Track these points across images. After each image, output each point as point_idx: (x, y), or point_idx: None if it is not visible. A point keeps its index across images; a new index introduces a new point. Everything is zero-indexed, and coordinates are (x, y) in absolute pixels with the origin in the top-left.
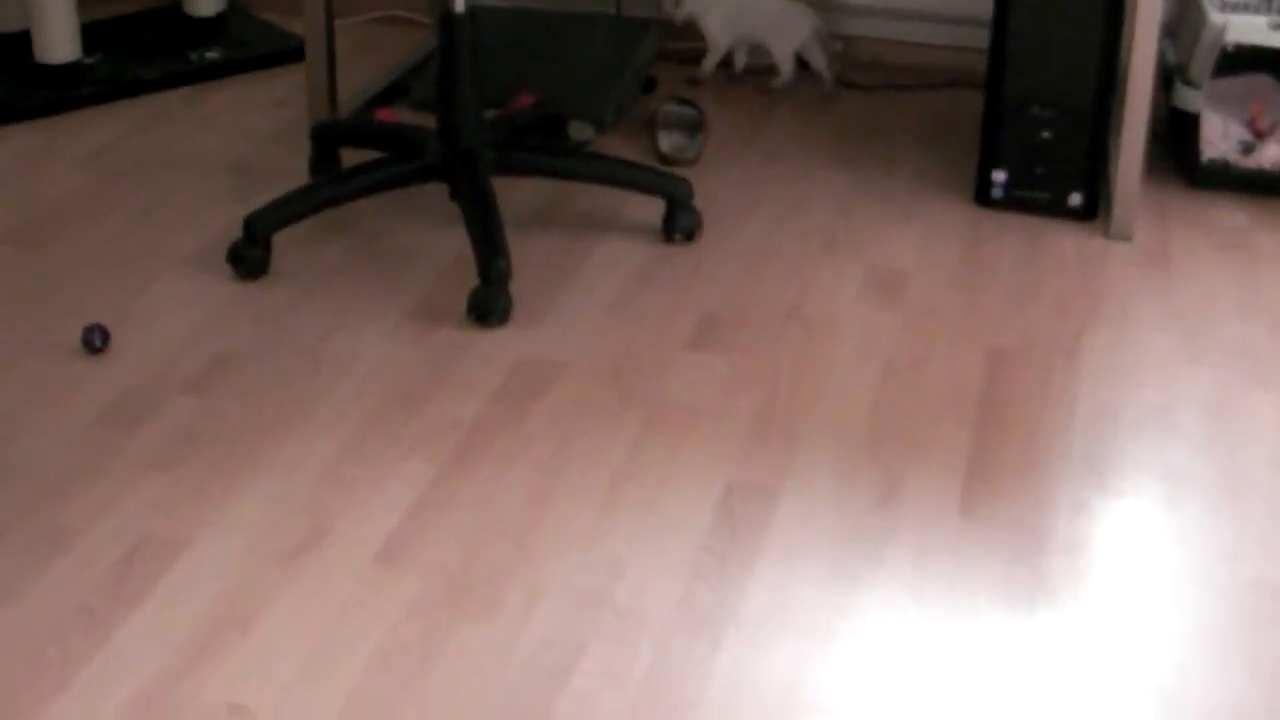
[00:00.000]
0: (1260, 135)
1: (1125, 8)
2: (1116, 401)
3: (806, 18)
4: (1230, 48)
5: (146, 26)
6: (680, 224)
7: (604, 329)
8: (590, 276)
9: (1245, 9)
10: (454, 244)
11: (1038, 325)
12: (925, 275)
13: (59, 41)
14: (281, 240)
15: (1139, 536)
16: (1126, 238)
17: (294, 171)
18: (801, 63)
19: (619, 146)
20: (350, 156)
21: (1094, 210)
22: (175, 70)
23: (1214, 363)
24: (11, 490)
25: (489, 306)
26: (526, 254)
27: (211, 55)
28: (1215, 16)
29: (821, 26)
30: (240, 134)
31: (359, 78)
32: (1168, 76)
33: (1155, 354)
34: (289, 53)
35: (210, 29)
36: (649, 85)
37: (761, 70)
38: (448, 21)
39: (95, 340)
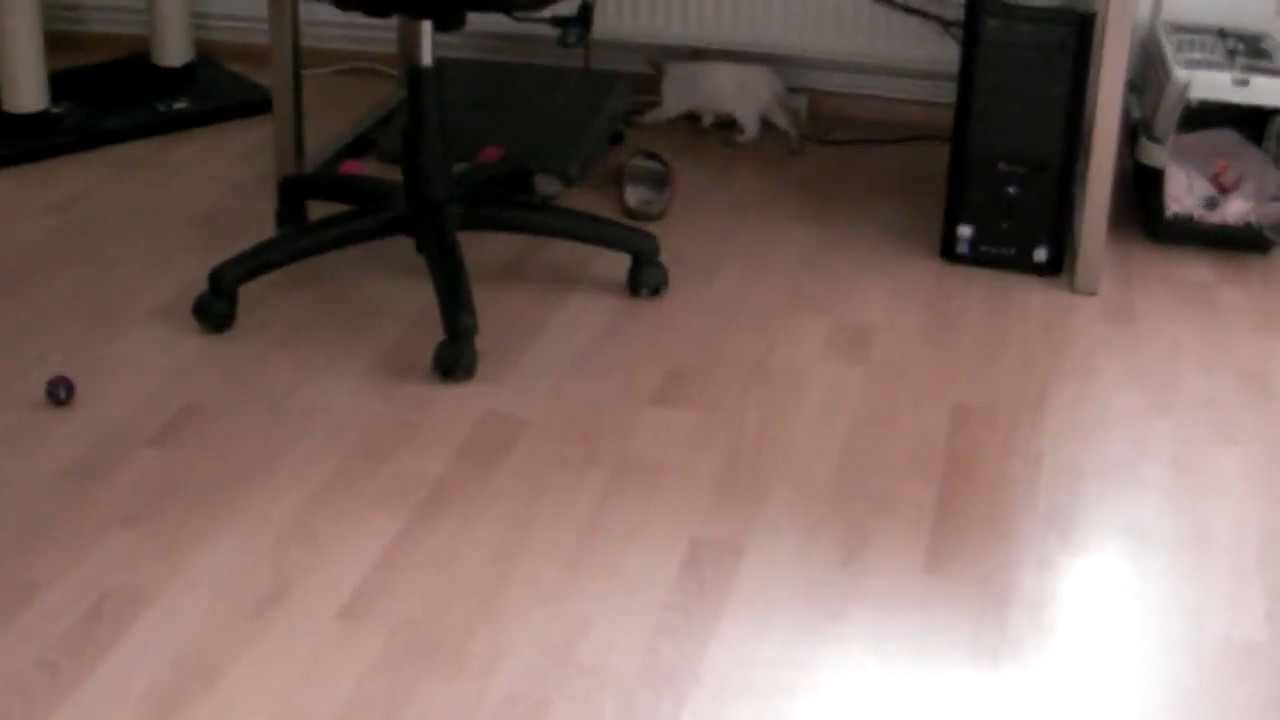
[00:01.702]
0: (1225, 190)
1: (1090, 64)
2: (1081, 457)
3: (766, 81)
4: (1194, 104)
5: (115, 76)
6: (646, 279)
7: (570, 384)
8: (556, 331)
9: (1209, 65)
10: (420, 297)
11: (1003, 381)
12: (891, 331)
13: (27, 91)
14: (248, 293)
15: (1104, 593)
16: (1091, 292)
17: (261, 223)
18: (767, 120)
19: (586, 200)
20: (318, 208)
21: (1059, 265)
22: (144, 120)
23: (1178, 417)
24: None
25: (454, 361)
26: (493, 308)
27: (180, 106)
28: (1179, 73)
29: (782, 88)
30: (208, 184)
31: (328, 129)
32: (1133, 132)
33: (1120, 409)
34: (257, 104)
35: (179, 79)
36: (616, 138)
37: (727, 125)
38: (415, 75)
39: (60, 393)
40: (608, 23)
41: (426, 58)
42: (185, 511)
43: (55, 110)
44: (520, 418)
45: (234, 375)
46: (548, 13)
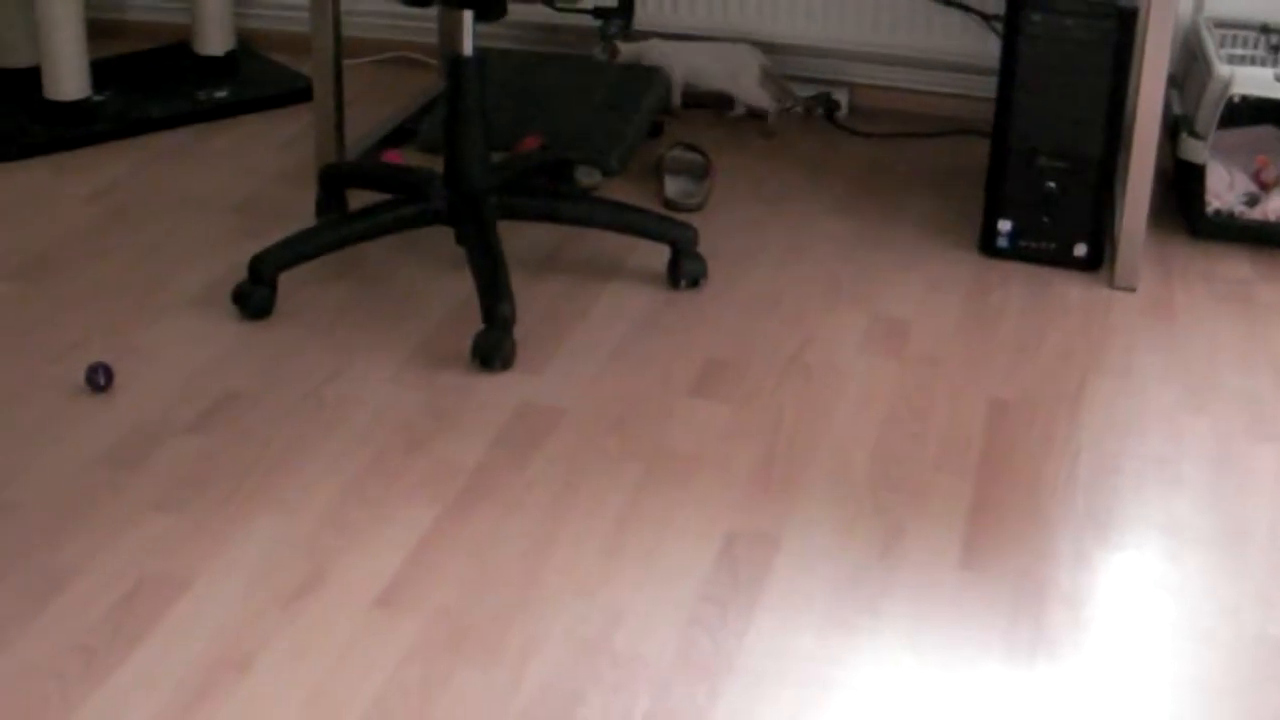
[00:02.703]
0: (1265, 187)
1: (1132, 59)
2: (1118, 453)
3: (752, 56)
4: (1236, 99)
5: (156, 64)
6: (685, 270)
7: (607, 375)
8: (595, 322)
9: (1251, 61)
10: (459, 287)
11: (1040, 375)
12: (928, 324)
13: (69, 78)
14: (287, 281)
15: (1140, 589)
16: (1131, 288)
17: (301, 211)
18: (808, 105)
19: (625, 191)
20: (357, 198)
21: (1099, 261)
22: (184, 109)
23: (1216, 414)
24: (11, 529)
25: (493, 351)
26: (531, 298)
27: (220, 94)
28: (1221, 68)
29: (767, 62)
30: (248, 173)
31: (368, 119)
32: (1174, 128)
33: (1158, 405)
34: (298, 93)
35: (220, 68)
36: (656, 130)
37: (760, 114)
38: (455, 65)
39: (99, 379)
40: (649, 14)
41: (468, 47)
42: (222, 498)
43: (97, 98)
44: (557, 407)
45: (272, 363)
46: (589, 4)
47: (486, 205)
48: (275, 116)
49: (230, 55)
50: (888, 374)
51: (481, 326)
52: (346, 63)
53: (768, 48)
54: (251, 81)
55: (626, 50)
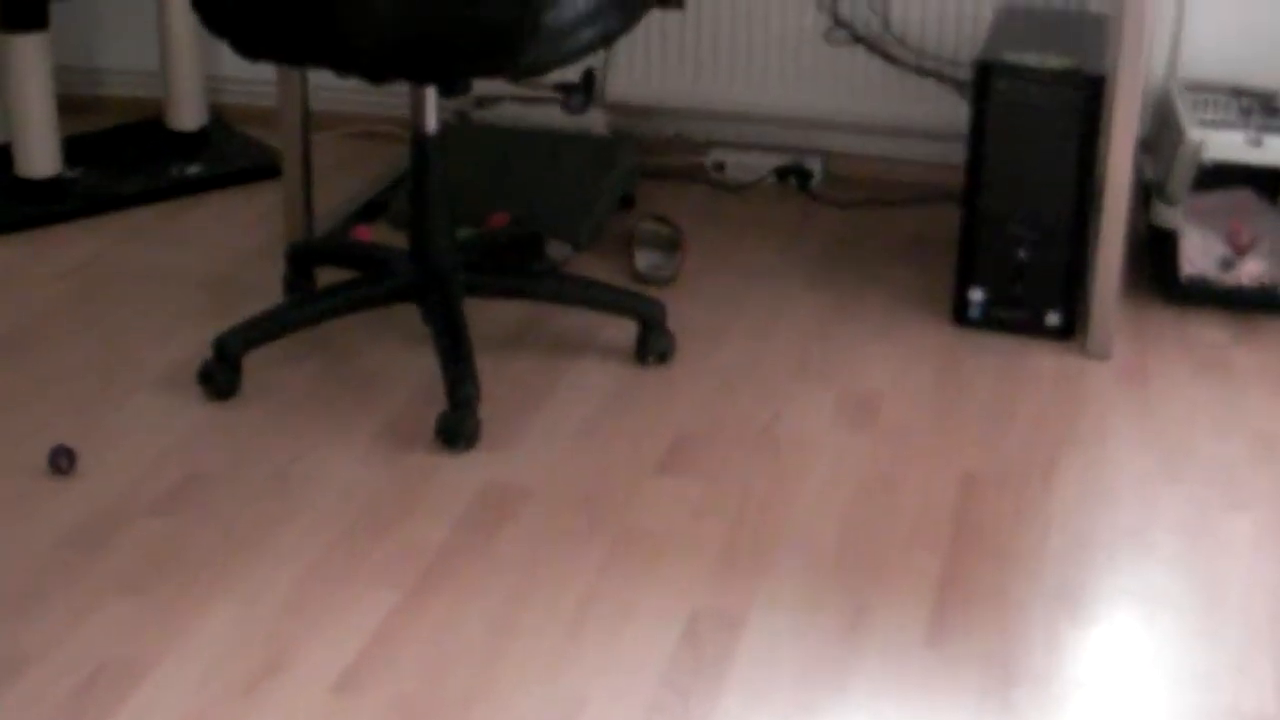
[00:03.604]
0: (1240, 251)
1: (1101, 125)
2: (1091, 525)
3: None
4: (1208, 165)
5: (129, 140)
6: (653, 346)
7: (574, 453)
8: (562, 399)
9: (1223, 125)
10: (426, 364)
11: (1013, 447)
12: (899, 397)
13: (40, 155)
14: (253, 360)
15: (1113, 665)
16: (1105, 356)
17: (270, 288)
18: (781, 175)
19: (596, 265)
20: (328, 274)
21: (1072, 329)
22: (156, 185)
23: (1192, 483)
24: None
25: (457, 430)
26: (498, 375)
27: (193, 170)
28: (1192, 133)
29: None
30: (219, 250)
31: (339, 193)
32: (1146, 193)
33: (1132, 475)
34: (269, 168)
35: (192, 143)
36: (627, 201)
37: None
38: (419, 142)
39: (62, 462)
40: (618, 84)
41: (431, 124)
42: (184, 582)
43: (68, 175)
44: (523, 487)
45: (237, 444)
46: (552, 79)
47: (452, 283)
48: (248, 191)
49: (203, 131)
50: (858, 448)
51: (446, 405)
52: (318, 136)
53: (739, 117)
54: (224, 157)
55: None
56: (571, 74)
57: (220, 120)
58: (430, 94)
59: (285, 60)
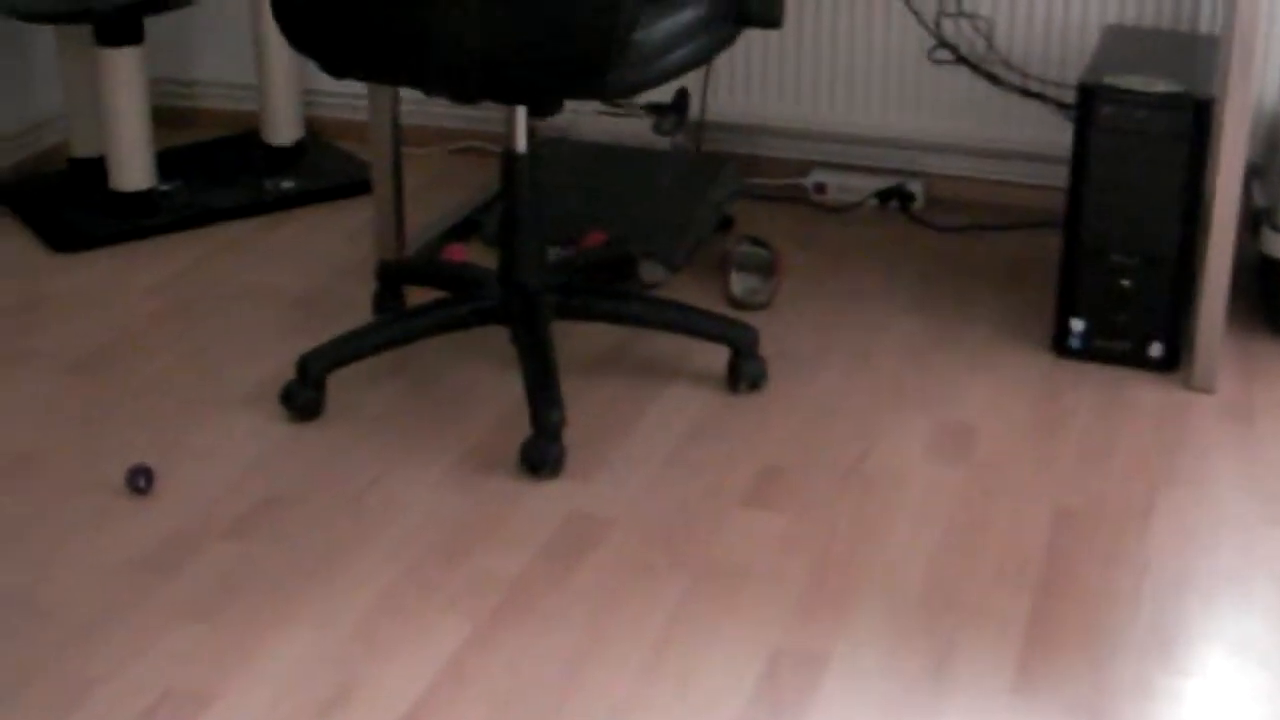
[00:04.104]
0: None
1: (1209, 150)
2: (1188, 569)
3: None
4: None
5: (224, 154)
6: (745, 373)
7: (659, 483)
8: (649, 426)
9: None
10: (514, 388)
11: (1109, 484)
12: (995, 430)
13: (134, 169)
14: (338, 379)
15: (1205, 718)
16: (1209, 390)
17: (361, 306)
18: (883, 197)
19: (691, 287)
20: (418, 292)
21: (1176, 361)
22: (249, 199)
23: None
24: (40, 633)
25: (541, 458)
26: (585, 401)
27: (287, 184)
28: None
29: None
30: (310, 266)
31: (434, 209)
32: (1256, 220)
33: (1233, 516)
34: (364, 183)
35: (288, 157)
36: (725, 223)
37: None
38: (509, 161)
39: (139, 482)
40: (719, 103)
41: (521, 144)
42: (254, 609)
43: (163, 188)
44: (605, 518)
45: (317, 466)
46: (644, 99)
47: (541, 305)
48: (342, 207)
49: (299, 145)
50: (950, 482)
51: (531, 431)
52: (414, 151)
53: (841, 138)
54: (319, 171)
55: None
56: (665, 94)
57: (316, 134)
58: (520, 114)
59: (373, 78)
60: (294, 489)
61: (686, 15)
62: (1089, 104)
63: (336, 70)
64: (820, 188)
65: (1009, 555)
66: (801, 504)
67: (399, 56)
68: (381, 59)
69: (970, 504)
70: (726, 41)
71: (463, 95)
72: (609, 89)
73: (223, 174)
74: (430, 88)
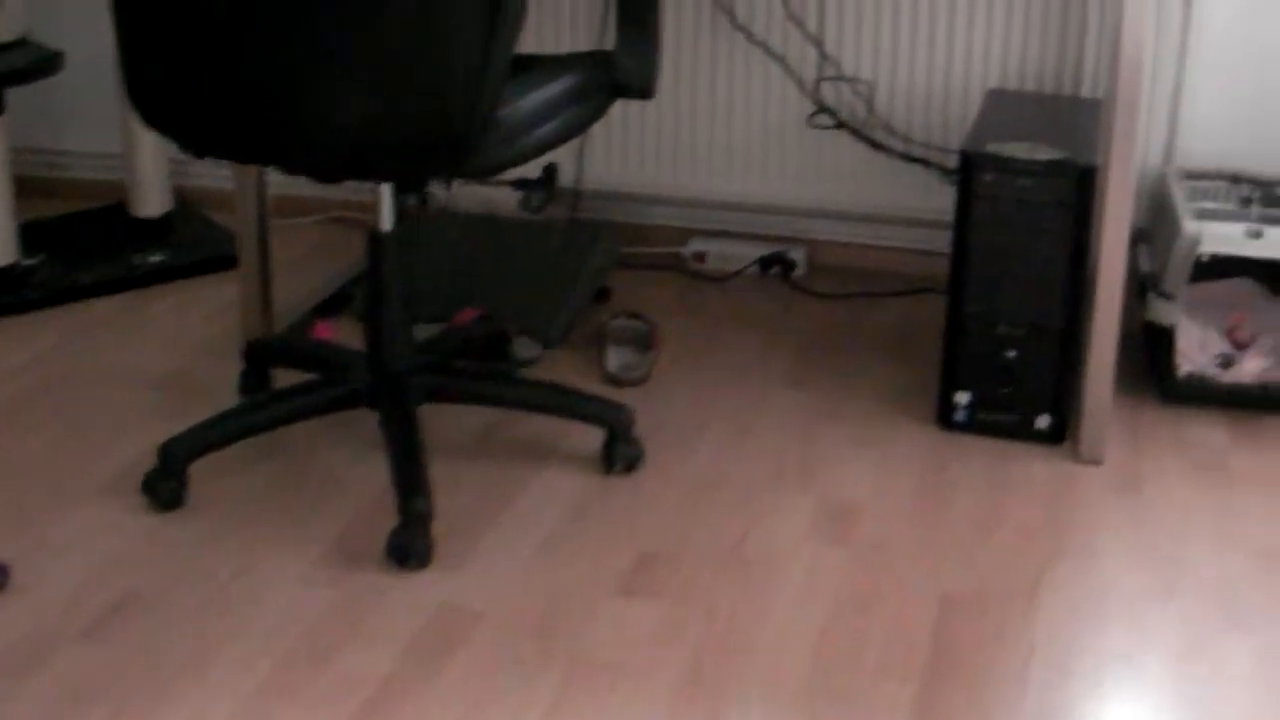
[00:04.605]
0: (1240, 347)
1: (1093, 218)
2: (1078, 649)
3: None
4: (1205, 259)
5: (90, 226)
6: (620, 455)
7: (531, 572)
8: (522, 512)
9: (1221, 216)
10: (383, 473)
11: (997, 563)
12: (879, 508)
13: None
14: (201, 466)
15: None
16: (1097, 461)
17: (226, 387)
18: (764, 265)
19: (568, 362)
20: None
21: (1064, 433)
22: (117, 274)
23: (1187, 602)
24: None
25: (408, 550)
26: (456, 486)
27: (154, 258)
28: (1189, 225)
29: None
30: (177, 345)
31: (305, 282)
32: (1142, 286)
33: (1123, 593)
34: (234, 257)
35: (156, 230)
36: (602, 294)
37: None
38: (374, 241)
39: None
40: (595, 170)
41: (386, 222)
42: (109, 716)
43: (27, 263)
44: (476, 610)
45: (179, 560)
46: (512, 174)
47: (409, 388)
48: (211, 281)
49: (167, 216)
50: (833, 565)
51: (398, 521)
52: (285, 223)
53: (720, 205)
54: (188, 244)
55: None
56: (535, 168)
57: (186, 205)
58: (386, 191)
59: (233, 158)
60: (155, 585)
61: (555, 88)
62: (970, 172)
63: (196, 150)
64: (700, 256)
65: (894, 640)
66: (678, 591)
67: (258, 136)
68: (241, 139)
69: (854, 587)
70: (598, 113)
71: (325, 175)
72: (473, 168)
73: (89, 248)
74: (292, 167)
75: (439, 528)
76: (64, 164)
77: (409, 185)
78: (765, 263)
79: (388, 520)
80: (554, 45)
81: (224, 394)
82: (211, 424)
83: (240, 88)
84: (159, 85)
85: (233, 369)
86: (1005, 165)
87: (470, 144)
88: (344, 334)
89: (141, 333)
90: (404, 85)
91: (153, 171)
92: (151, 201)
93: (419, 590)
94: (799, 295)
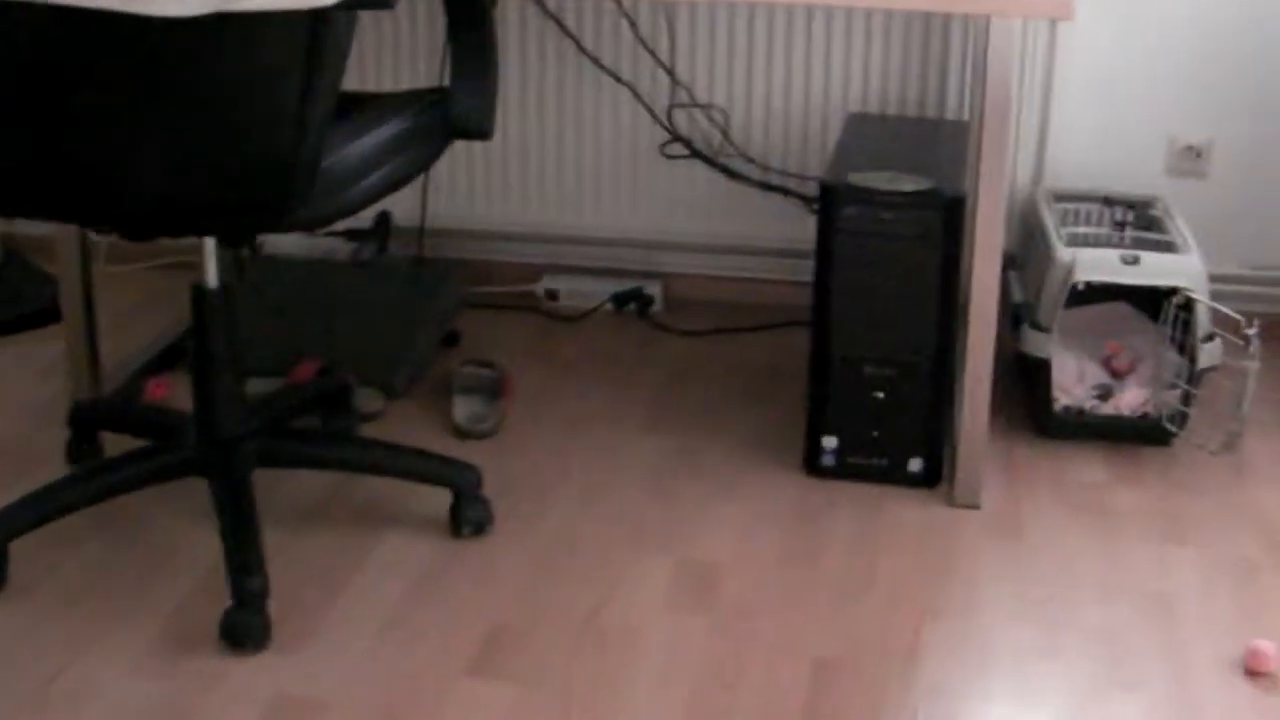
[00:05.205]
0: (1118, 376)
1: (961, 251)
2: (960, 713)
3: None
4: (1080, 287)
5: None
6: (467, 518)
7: (376, 652)
8: (365, 585)
9: (1095, 240)
10: (218, 546)
11: (871, 623)
12: (744, 567)
13: None
14: (25, 543)
15: None
16: (973, 505)
17: (53, 454)
18: (620, 302)
19: (412, 415)
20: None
21: (938, 475)
22: None
23: (1072, 657)
24: None
25: (242, 633)
26: (294, 558)
27: None
28: (1063, 252)
29: None
30: (2, 406)
31: (139, 335)
32: (1015, 316)
33: (1005, 649)
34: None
35: None
36: (451, 339)
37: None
38: (199, 297)
39: None
40: (440, 206)
41: (211, 278)
42: None
43: None
44: (316, 699)
45: None
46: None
47: (239, 455)
48: (40, 336)
49: None
50: (695, 635)
51: (231, 601)
52: (116, 270)
53: (572, 239)
54: (16, 296)
55: None
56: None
57: (14, 253)
58: (209, 245)
59: (36, 216)
60: None
61: (384, 133)
62: (831, 204)
63: (3, 209)
64: (552, 294)
65: (765, 714)
66: (532, 668)
67: (61, 194)
68: (42, 196)
69: (719, 658)
70: (432, 158)
71: (134, 233)
72: (295, 223)
73: None
74: (95, 226)
75: (275, 607)
76: None
77: (232, 241)
78: (621, 299)
79: (223, 597)
80: (391, 82)
81: (52, 461)
82: (33, 500)
83: (33, 141)
84: None
85: (60, 433)
86: (868, 196)
87: (291, 197)
88: (180, 391)
89: None
90: (213, 135)
91: None
92: None
93: (256, 677)
94: (657, 333)
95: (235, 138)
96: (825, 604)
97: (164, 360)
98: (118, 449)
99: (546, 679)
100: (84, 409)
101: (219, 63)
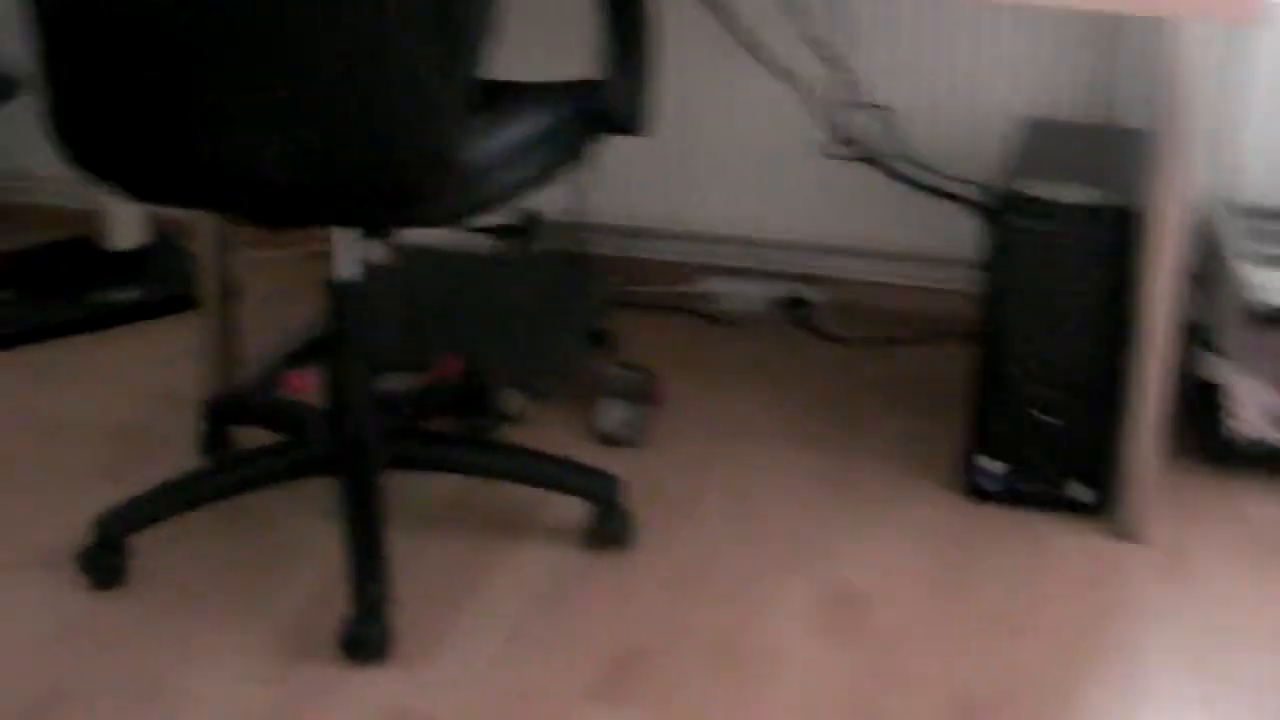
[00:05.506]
0: None
1: (1135, 266)
2: None
3: None
4: (1260, 311)
5: (55, 261)
6: (605, 530)
7: (499, 668)
8: (494, 596)
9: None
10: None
11: (1024, 662)
12: (892, 595)
13: None
14: (147, 537)
15: None
16: (1140, 538)
17: (186, 443)
18: (778, 305)
19: (558, 417)
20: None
21: (1104, 504)
22: (77, 315)
23: (1239, 713)
24: None
25: (360, 642)
26: (422, 564)
27: (127, 295)
28: (1244, 272)
29: None
30: (137, 393)
31: (290, 319)
32: (1192, 338)
33: (1165, 698)
34: None
35: (129, 264)
36: (599, 339)
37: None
38: (334, 292)
39: None
40: (593, 201)
41: (347, 270)
42: None
43: None
44: (431, 714)
45: (112, 647)
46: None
47: (370, 456)
48: (186, 321)
49: (144, 250)
50: (837, 665)
51: (351, 608)
52: (266, 255)
53: (731, 240)
54: (164, 280)
55: None
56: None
57: (168, 237)
58: (339, 236)
59: (175, 204)
60: (82, 679)
61: (527, 126)
62: (1000, 213)
63: (134, 194)
64: (708, 296)
65: None
66: (660, 694)
67: (198, 182)
68: (180, 184)
69: (861, 692)
70: (577, 152)
71: (265, 220)
72: (428, 217)
73: (52, 285)
74: (237, 214)
75: (398, 615)
76: (31, 188)
77: (370, 232)
78: (779, 303)
79: (344, 603)
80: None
81: (183, 450)
82: (155, 495)
83: (172, 129)
84: (89, 122)
85: (193, 422)
86: (1039, 207)
87: (423, 189)
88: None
89: (104, 379)
90: (340, 118)
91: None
92: (126, 233)
93: (372, 689)
94: (813, 339)
95: (362, 118)
96: (976, 638)
97: (307, 352)
98: (247, 441)
99: (675, 706)
100: (221, 400)
101: (345, 31)
